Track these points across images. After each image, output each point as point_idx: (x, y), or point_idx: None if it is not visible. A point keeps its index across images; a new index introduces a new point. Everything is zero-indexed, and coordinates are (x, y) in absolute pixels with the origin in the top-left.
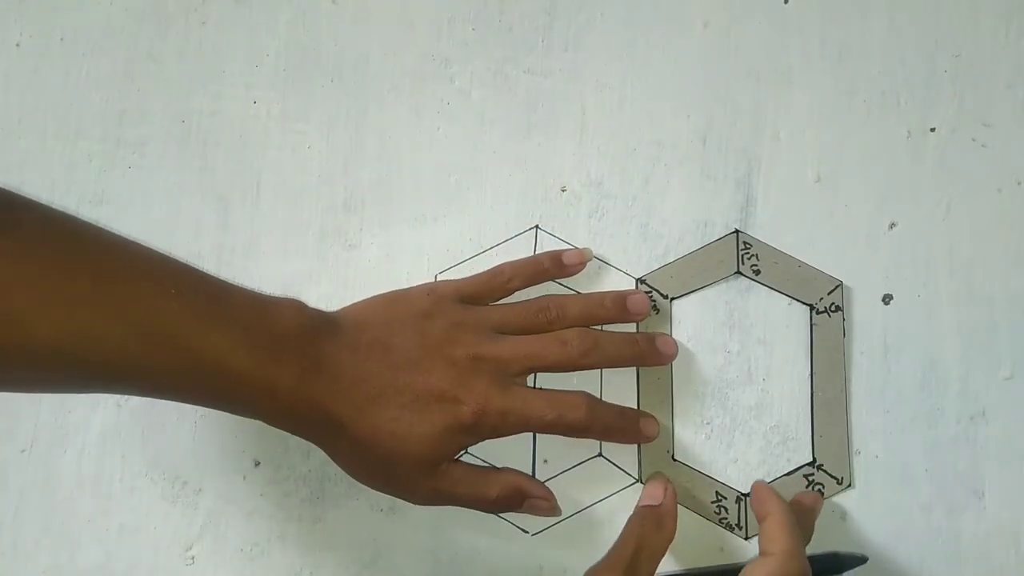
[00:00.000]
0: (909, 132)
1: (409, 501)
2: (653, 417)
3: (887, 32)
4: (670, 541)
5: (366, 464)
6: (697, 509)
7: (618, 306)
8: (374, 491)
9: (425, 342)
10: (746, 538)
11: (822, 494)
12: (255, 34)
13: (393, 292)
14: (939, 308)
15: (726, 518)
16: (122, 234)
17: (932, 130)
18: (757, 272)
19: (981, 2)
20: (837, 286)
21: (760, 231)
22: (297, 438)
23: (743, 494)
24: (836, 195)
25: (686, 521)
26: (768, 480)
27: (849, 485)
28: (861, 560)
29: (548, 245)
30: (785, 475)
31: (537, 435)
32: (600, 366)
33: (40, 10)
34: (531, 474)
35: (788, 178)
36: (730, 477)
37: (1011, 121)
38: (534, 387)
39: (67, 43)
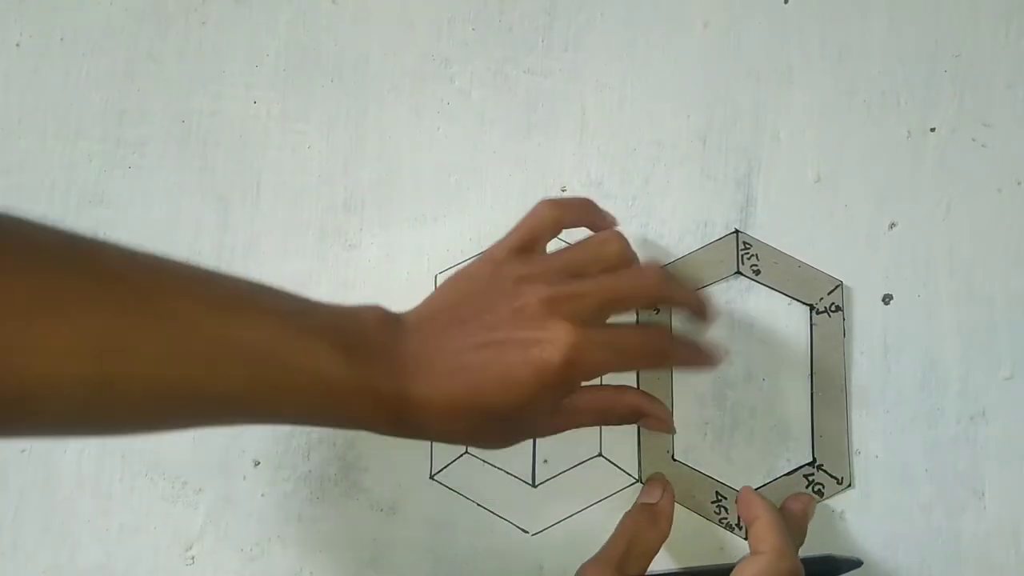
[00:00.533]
0: (909, 132)
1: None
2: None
3: (887, 32)
4: (663, 540)
5: (487, 430)
6: (697, 509)
7: (697, 299)
8: (374, 491)
9: (496, 304)
10: (746, 538)
11: (822, 494)
12: (255, 34)
13: (455, 273)
14: (939, 308)
15: (726, 518)
16: (183, 261)
17: (932, 130)
18: (757, 272)
19: (981, 2)
20: (837, 286)
21: (760, 231)
22: (298, 439)
23: None
24: (836, 195)
25: (686, 521)
26: (768, 480)
27: (849, 485)
28: (856, 564)
29: (547, 245)
30: (785, 475)
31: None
32: (674, 303)
33: (40, 10)
34: (531, 475)
35: (788, 178)
36: (730, 477)
37: (1011, 121)
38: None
39: (67, 43)
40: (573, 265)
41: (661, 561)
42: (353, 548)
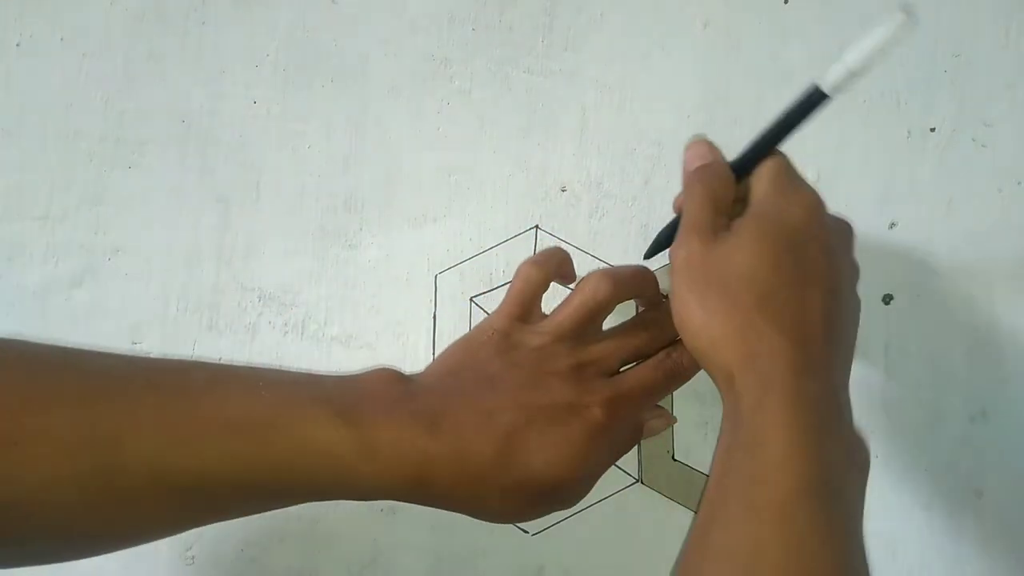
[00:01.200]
0: (909, 132)
1: (565, 508)
2: None
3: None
4: (733, 191)
5: (525, 503)
6: (697, 509)
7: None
8: None
9: (525, 367)
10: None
11: None
12: (255, 34)
13: (454, 344)
14: (939, 308)
15: None
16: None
17: (932, 130)
18: None
19: (981, 2)
20: None
21: None
22: None
23: None
24: (836, 195)
25: (686, 521)
26: None
27: None
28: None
29: (548, 245)
30: None
31: None
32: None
33: (40, 10)
34: None
35: None
36: None
37: (1011, 121)
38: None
39: (67, 43)
40: (577, 325)
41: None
42: (353, 548)
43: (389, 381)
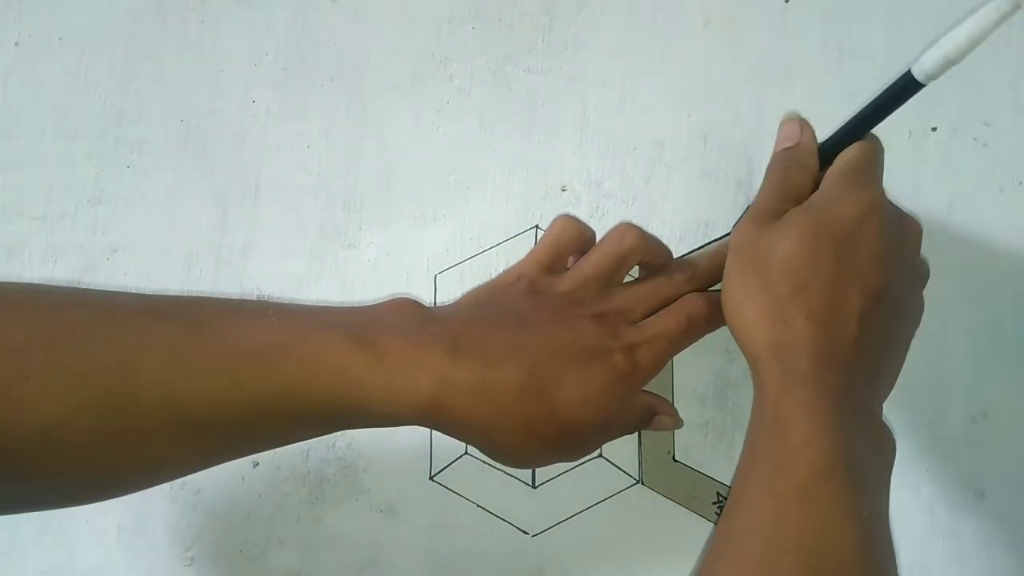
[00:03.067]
0: (910, 132)
1: (571, 459)
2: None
3: (887, 32)
4: (814, 177)
5: (539, 441)
6: (697, 509)
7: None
8: (374, 492)
9: (550, 309)
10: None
11: None
12: (254, 34)
13: (477, 287)
14: (939, 308)
15: None
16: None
17: (933, 130)
18: None
19: (981, 2)
20: None
21: None
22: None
23: None
24: None
25: (686, 521)
26: None
27: None
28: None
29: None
30: None
31: None
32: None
33: (39, 10)
34: (531, 476)
35: None
36: (730, 477)
37: (1012, 121)
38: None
39: (66, 43)
40: (603, 272)
41: (660, 562)
42: (353, 548)
43: (407, 307)
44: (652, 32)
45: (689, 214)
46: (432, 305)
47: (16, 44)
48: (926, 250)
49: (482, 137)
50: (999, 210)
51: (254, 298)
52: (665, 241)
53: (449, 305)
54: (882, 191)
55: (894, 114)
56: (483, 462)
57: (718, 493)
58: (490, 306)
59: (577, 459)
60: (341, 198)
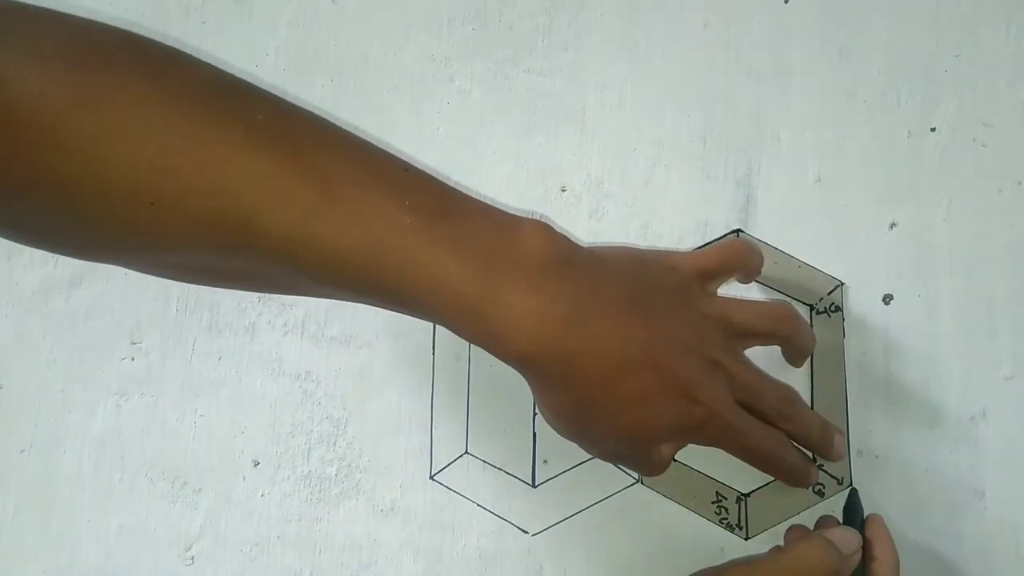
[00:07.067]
0: (909, 132)
1: (591, 452)
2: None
3: (887, 32)
4: None
5: (583, 425)
6: (697, 509)
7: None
8: (374, 491)
9: (682, 324)
10: (746, 538)
11: (822, 494)
12: (255, 34)
13: (634, 251)
14: (939, 308)
15: (727, 518)
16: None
17: (932, 130)
18: None
19: (981, 2)
20: (837, 286)
21: (760, 231)
22: (298, 439)
23: (743, 494)
24: (836, 195)
25: (686, 521)
26: (768, 480)
27: (849, 485)
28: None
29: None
30: None
31: (537, 434)
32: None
33: None
34: (531, 476)
35: (788, 178)
36: (730, 477)
37: (1011, 121)
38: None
39: None
40: (747, 331)
41: (660, 562)
42: (353, 548)
43: (544, 240)
44: (652, 32)
45: (689, 214)
46: (568, 241)
47: None
48: (924, 251)
49: (482, 137)
50: (998, 210)
51: None
52: (664, 241)
53: (592, 252)
54: None
55: (894, 114)
56: (483, 462)
57: (718, 493)
58: (630, 278)
59: (587, 450)
60: None
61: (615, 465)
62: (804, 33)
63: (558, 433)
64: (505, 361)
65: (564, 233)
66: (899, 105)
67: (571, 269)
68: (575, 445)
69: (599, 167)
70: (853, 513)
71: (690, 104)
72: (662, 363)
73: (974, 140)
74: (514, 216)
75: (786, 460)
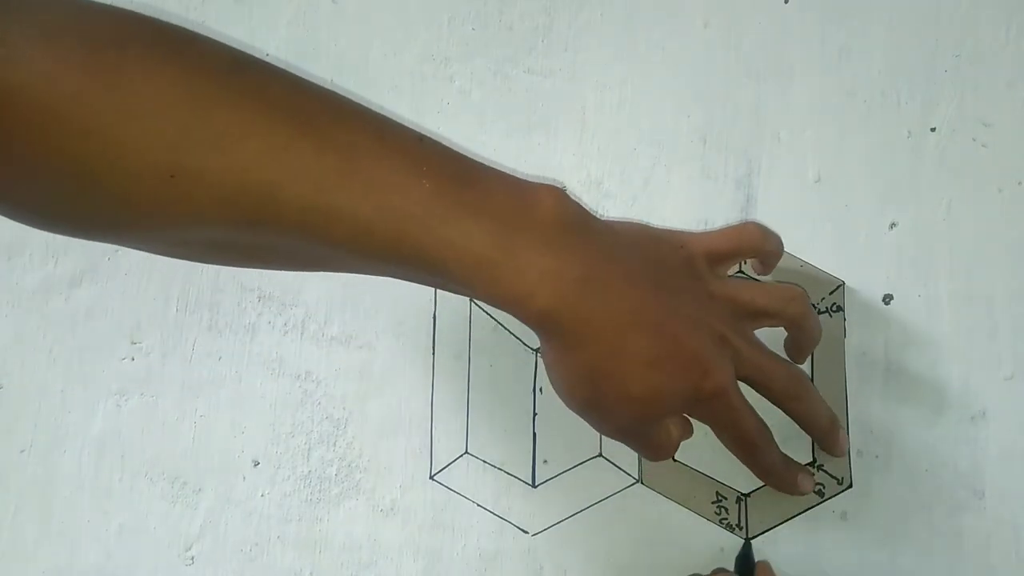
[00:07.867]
0: (909, 132)
1: (594, 425)
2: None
3: (887, 32)
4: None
5: (595, 391)
6: (697, 509)
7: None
8: (374, 491)
9: (691, 299)
10: (746, 538)
11: (822, 494)
12: (255, 34)
13: (645, 227)
14: (939, 308)
15: (726, 518)
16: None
17: (932, 130)
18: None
19: (981, 2)
20: (838, 286)
21: None
22: (298, 439)
23: (743, 494)
24: (836, 195)
25: (686, 521)
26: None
27: (849, 485)
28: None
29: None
30: None
31: (537, 434)
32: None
33: None
34: (531, 476)
35: (788, 178)
36: (730, 477)
37: (1012, 121)
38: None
39: None
40: (755, 311)
41: (660, 562)
42: (353, 548)
43: (559, 204)
44: (652, 32)
45: (689, 214)
46: (581, 208)
47: None
48: (924, 251)
49: (482, 137)
50: (998, 210)
51: None
52: None
53: (604, 222)
54: None
55: (894, 114)
56: (483, 462)
57: (718, 493)
58: (641, 252)
59: (593, 424)
60: None
61: (614, 465)
62: (804, 33)
63: (568, 406)
64: (525, 322)
65: (575, 199)
66: (899, 105)
67: (585, 236)
68: (575, 445)
69: (599, 167)
70: (745, 564)
71: (690, 104)
72: (674, 332)
73: (974, 140)
74: (529, 181)
75: (768, 455)
